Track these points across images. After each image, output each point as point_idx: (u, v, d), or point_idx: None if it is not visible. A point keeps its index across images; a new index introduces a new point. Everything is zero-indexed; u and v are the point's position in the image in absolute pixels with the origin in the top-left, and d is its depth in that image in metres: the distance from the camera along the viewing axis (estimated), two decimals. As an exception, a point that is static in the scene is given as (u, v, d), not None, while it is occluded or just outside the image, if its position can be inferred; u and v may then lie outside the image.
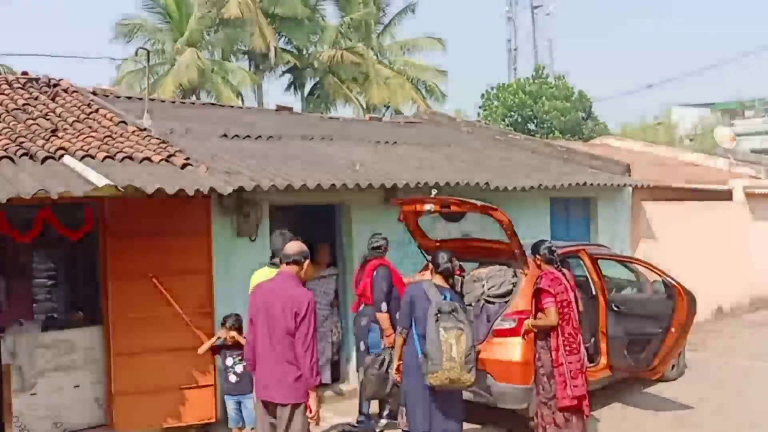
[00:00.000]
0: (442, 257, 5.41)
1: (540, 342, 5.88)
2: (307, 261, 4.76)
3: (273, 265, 5.53)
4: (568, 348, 5.74)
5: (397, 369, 5.53)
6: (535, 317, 5.95)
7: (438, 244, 7.02)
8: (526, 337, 6.08)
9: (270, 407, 4.63)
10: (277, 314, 4.52)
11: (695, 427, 6.79)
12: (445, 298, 5.22)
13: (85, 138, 6.67)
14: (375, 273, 6.52)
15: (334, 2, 25.81)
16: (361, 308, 6.75)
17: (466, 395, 5.62)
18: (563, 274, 5.94)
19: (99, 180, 5.47)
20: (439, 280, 5.38)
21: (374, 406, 6.76)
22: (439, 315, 5.07)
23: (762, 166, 15.70)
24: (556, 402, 5.74)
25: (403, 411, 5.63)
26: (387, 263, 6.68)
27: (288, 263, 4.69)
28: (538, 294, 5.90)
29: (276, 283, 4.69)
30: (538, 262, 6.05)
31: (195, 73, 20.90)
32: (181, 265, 6.51)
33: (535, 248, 6.08)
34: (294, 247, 4.76)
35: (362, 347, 6.65)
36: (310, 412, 4.57)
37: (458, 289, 5.65)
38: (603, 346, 7.09)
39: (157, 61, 22.17)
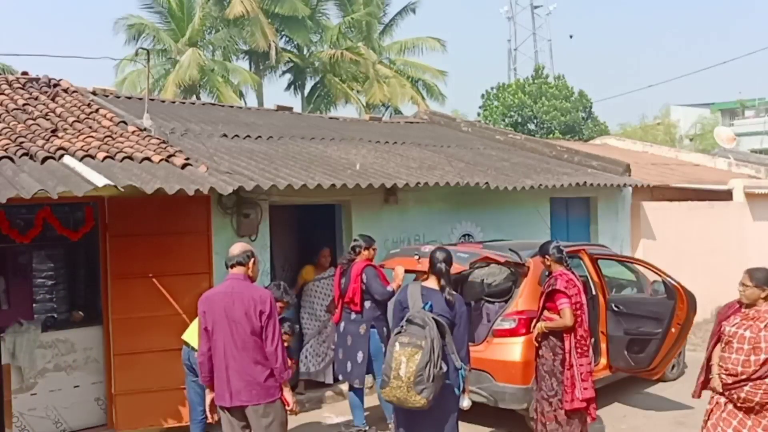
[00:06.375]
0: (437, 256, 4.83)
1: (544, 342, 5.79)
2: (253, 260, 4.68)
3: None
4: (579, 350, 5.67)
5: None
6: (539, 317, 5.85)
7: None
8: (537, 340, 5.90)
9: (237, 413, 4.57)
10: (239, 317, 4.46)
11: (695, 427, 6.75)
12: (426, 306, 4.63)
13: (85, 138, 6.67)
14: (363, 274, 6.26)
15: (334, 2, 25.83)
16: (352, 317, 6.36)
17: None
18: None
19: (99, 180, 5.46)
20: (432, 281, 4.80)
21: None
22: (404, 326, 4.56)
23: (762, 166, 15.72)
24: (564, 404, 5.65)
25: (392, 418, 5.38)
26: (372, 264, 6.41)
27: (233, 266, 4.64)
28: (552, 295, 5.78)
29: (230, 287, 4.58)
30: (548, 263, 5.93)
31: (196, 72, 20.89)
32: (181, 265, 6.51)
33: (544, 249, 5.98)
34: (237, 248, 4.71)
35: (359, 358, 6.23)
36: (288, 405, 4.62)
37: (450, 289, 4.81)
38: (603, 346, 7.10)
39: (158, 62, 22.14)
